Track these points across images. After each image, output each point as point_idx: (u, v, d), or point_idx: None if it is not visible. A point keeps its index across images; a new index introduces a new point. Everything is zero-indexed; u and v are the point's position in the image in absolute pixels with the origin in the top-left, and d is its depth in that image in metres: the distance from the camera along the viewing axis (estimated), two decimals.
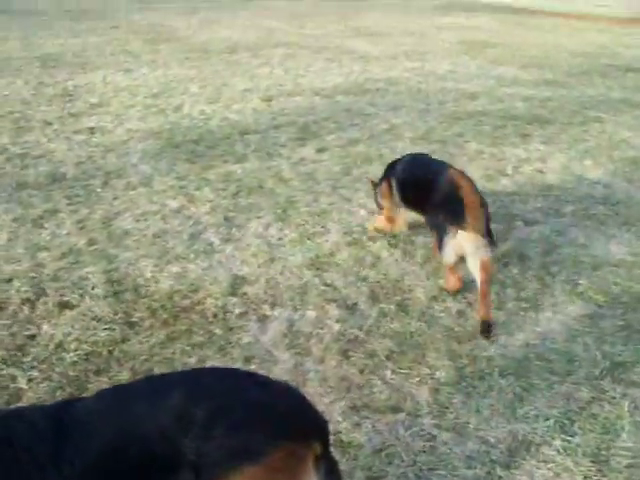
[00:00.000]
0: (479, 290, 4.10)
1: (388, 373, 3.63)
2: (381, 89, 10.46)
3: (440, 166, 4.67)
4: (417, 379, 3.58)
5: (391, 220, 5.18)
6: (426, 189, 4.45)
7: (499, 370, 3.65)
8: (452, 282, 4.46)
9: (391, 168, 5.09)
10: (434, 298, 4.38)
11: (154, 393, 2.00)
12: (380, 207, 5.22)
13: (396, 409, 3.35)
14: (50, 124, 8.08)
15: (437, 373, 3.63)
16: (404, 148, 7.28)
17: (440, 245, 4.24)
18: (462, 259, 4.21)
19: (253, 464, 1.86)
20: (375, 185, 5.28)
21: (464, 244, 4.11)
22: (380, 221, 5.28)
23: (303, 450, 1.97)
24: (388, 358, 3.75)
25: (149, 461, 1.90)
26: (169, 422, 1.90)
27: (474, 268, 4.15)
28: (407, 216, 5.16)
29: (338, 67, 12.21)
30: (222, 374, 2.30)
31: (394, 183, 4.92)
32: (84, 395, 3.32)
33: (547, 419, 3.30)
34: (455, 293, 4.44)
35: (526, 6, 28.25)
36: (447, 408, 3.37)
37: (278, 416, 2.00)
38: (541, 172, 6.84)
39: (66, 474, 1.81)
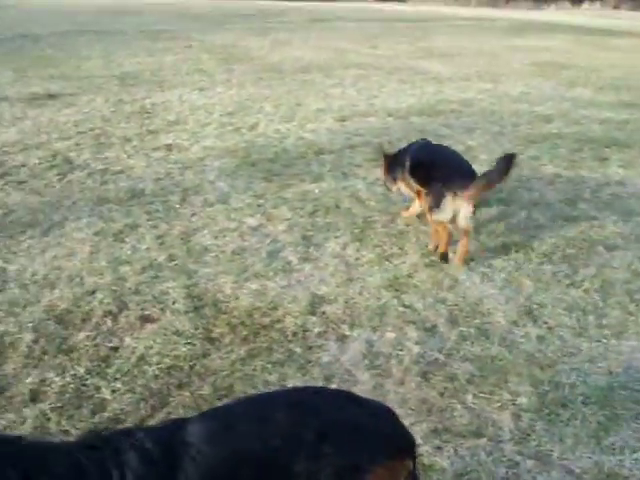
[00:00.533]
0: (462, 241, 5.14)
1: (469, 397, 3.58)
2: (455, 110, 10.41)
3: (442, 149, 5.76)
4: (498, 404, 3.53)
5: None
6: (432, 167, 5.31)
7: (582, 398, 3.57)
8: (439, 236, 5.23)
9: (403, 154, 5.74)
10: (514, 322, 4.31)
11: (261, 414, 2.01)
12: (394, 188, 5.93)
13: (477, 434, 3.31)
14: (129, 141, 8.27)
15: (519, 399, 3.56)
16: (479, 170, 7.21)
17: (437, 207, 5.05)
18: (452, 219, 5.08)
19: None
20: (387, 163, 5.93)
21: (457, 207, 4.99)
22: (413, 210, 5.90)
23: (400, 467, 2.00)
24: (469, 382, 3.70)
25: None
26: (278, 443, 1.91)
27: (461, 224, 5.05)
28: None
29: (411, 88, 12.21)
30: (323, 394, 2.32)
31: (407, 165, 5.53)
32: (167, 409, 3.38)
33: (635, 451, 3.20)
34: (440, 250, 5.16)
35: (601, 26, 27.85)
36: (529, 435, 3.31)
37: (379, 435, 2.03)
38: (620, 196, 6.70)
39: None
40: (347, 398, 2.19)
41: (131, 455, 1.83)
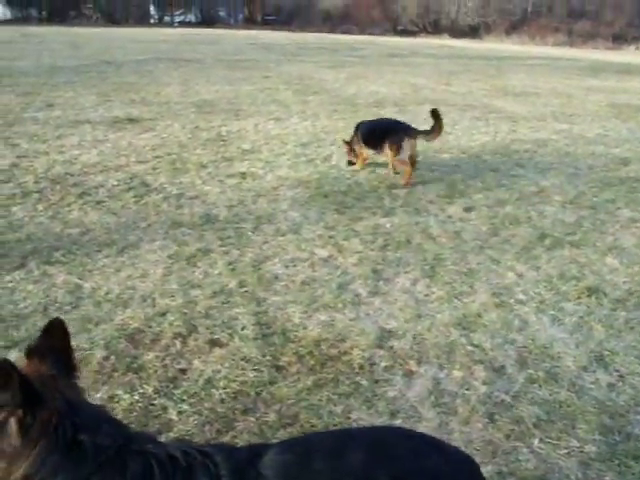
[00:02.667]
0: (408, 168, 8.10)
1: (535, 441, 3.51)
2: (529, 150, 10.34)
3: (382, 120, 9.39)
4: (565, 451, 3.45)
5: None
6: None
7: None
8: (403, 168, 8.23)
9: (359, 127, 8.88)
10: (584, 368, 4.23)
11: (337, 451, 1.97)
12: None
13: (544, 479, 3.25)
14: (205, 167, 8.44)
15: (587, 447, 3.48)
16: (554, 212, 7.17)
17: (400, 149, 8.07)
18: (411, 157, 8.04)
19: None
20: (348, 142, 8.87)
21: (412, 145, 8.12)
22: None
23: None
24: (535, 426, 3.64)
25: None
26: None
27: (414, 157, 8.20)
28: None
29: (485, 126, 12.18)
30: (404, 435, 2.26)
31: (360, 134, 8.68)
32: (233, 435, 3.41)
33: None
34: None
35: None
36: None
37: None
38: None
39: None
40: (429, 444, 2.13)
41: (202, 475, 1.85)
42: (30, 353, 1.88)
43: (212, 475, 1.84)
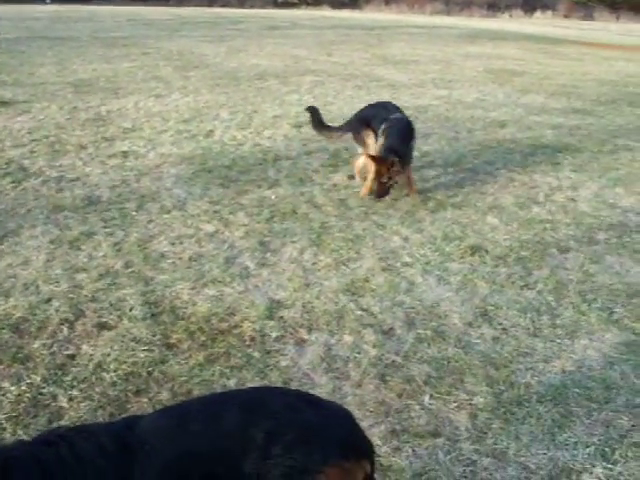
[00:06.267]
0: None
1: (426, 398, 3.62)
2: (411, 116, 10.49)
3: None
4: (455, 404, 3.58)
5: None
6: None
7: (537, 397, 3.64)
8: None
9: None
10: (470, 324, 4.38)
11: (212, 413, 2.02)
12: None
13: (435, 434, 3.35)
14: (85, 148, 8.19)
15: (475, 399, 3.62)
16: (436, 175, 7.35)
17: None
18: None
19: None
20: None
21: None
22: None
23: (356, 469, 2.00)
24: (426, 383, 3.75)
25: None
26: (229, 443, 1.92)
27: None
28: None
29: (367, 94, 12.29)
30: (276, 393, 2.33)
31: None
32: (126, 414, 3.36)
33: (587, 446, 3.28)
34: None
35: (552, 35, 28.33)
36: (486, 434, 3.36)
37: (332, 436, 2.02)
38: (573, 200, 6.85)
39: None
40: (303, 399, 2.20)
41: (87, 448, 1.84)
42: None
43: (94, 444, 1.84)
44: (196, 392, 3.58)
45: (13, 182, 6.86)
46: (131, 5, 39.86)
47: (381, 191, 6.44)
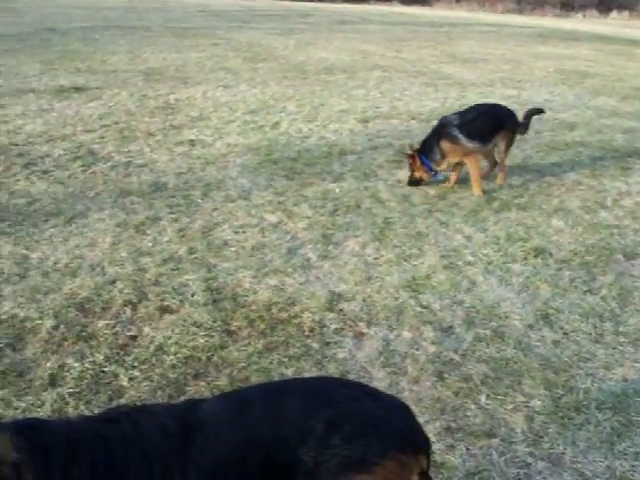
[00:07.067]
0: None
1: (483, 398, 3.59)
2: None
3: None
4: (512, 406, 3.54)
5: None
6: None
7: (596, 404, 3.57)
8: None
9: None
10: (530, 326, 4.32)
11: (274, 400, 2.04)
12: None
13: (490, 434, 3.32)
14: (153, 135, 8.34)
15: (532, 401, 3.58)
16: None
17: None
18: None
19: (367, 474, 1.89)
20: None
21: None
22: None
23: (412, 463, 2.00)
24: (483, 383, 3.72)
25: (267, 467, 1.93)
26: (288, 430, 1.94)
27: None
28: None
29: (434, 92, 12.23)
30: (336, 383, 2.34)
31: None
32: (187, 397, 3.42)
33: None
34: None
35: (627, 36, 27.71)
36: (542, 437, 3.32)
37: (390, 428, 2.02)
38: None
39: (190, 474, 1.86)
40: (363, 390, 2.20)
41: (149, 427, 1.88)
42: None
43: (156, 423, 1.88)
44: (254, 379, 3.62)
45: (83, 166, 7.02)
46: None
47: None
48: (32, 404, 3.36)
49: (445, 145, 6.56)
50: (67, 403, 3.37)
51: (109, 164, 7.12)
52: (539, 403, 3.56)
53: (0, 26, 19.07)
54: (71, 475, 1.73)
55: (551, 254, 5.38)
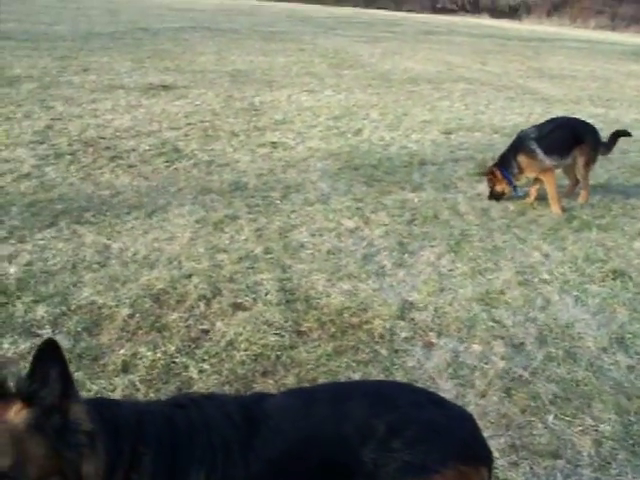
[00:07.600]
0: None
1: (550, 417, 3.54)
2: None
3: None
4: (580, 428, 3.47)
5: None
6: None
7: None
8: None
9: None
10: (604, 349, 4.23)
11: (339, 400, 2.05)
12: None
13: (556, 455, 3.27)
14: (236, 135, 8.48)
15: (602, 426, 3.50)
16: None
17: None
18: None
19: None
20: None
21: None
22: None
23: (472, 474, 1.98)
24: (552, 402, 3.66)
25: (328, 465, 1.95)
26: (351, 430, 1.95)
27: None
28: None
29: (519, 107, 12.09)
30: (403, 389, 2.35)
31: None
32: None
33: None
34: None
35: None
36: (610, 463, 3.24)
37: (453, 437, 2.01)
38: None
39: (251, 464, 1.90)
40: (429, 398, 2.20)
41: (215, 415, 1.93)
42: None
43: (222, 411, 1.93)
44: (321, 381, 3.64)
45: (167, 162, 7.20)
46: (290, 2, 40.80)
47: None
48: (104, 388, 3.46)
49: (522, 159, 6.51)
50: (137, 390, 3.46)
51: (192, 161, 7.28)
52: (609, 428, 3.48)
53: (97, 25, 19.70)
54: (138, 451, 1.78)
55: (630, 277, 5.25)
